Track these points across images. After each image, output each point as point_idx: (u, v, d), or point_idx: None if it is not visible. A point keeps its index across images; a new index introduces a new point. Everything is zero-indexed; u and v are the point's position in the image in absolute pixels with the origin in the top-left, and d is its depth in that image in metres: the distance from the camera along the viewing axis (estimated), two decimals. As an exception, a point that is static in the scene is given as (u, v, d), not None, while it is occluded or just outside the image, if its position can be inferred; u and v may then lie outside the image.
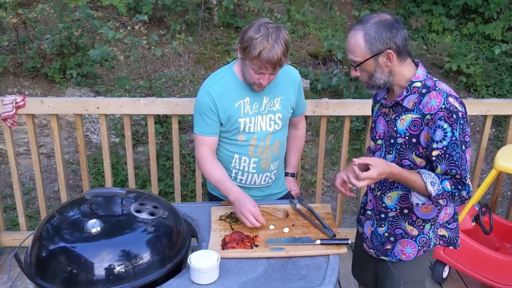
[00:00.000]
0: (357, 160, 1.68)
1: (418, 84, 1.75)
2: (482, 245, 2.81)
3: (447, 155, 1.67)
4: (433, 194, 1.67)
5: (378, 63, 1.72)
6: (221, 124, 2.19)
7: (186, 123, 4.57)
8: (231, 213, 2.07)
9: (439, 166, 1.69)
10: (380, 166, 1.66)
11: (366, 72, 1.76)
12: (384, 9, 5.91)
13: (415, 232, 1.88)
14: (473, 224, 2.86)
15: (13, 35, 4.50)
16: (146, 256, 1.65)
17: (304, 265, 1.76)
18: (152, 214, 1.76)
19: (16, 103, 2.91)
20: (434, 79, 1.78)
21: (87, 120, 4.44)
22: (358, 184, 1.66)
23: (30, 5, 4.78)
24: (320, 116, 3.09)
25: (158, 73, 4.83)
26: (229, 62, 5.02)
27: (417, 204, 1.74)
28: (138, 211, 1.75)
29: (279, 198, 2.41)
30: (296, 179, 2.62)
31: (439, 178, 1.68)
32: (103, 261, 1.59)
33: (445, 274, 3.04)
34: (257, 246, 1.85)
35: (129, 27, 4.50)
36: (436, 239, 1.93)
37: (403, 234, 1.90)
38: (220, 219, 2.04)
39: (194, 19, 5.08)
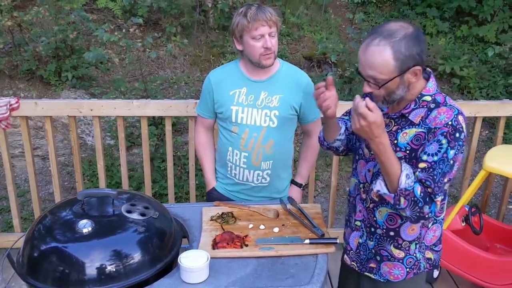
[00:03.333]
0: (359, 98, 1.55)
1: (428, 98, 1.64)
2: (472, 245, 2.84)
3: (431, 169, 1.58)
4: (402, 186, 1.56)
5: (403, 80, 1.59)
6: (216, 110, 2.34)
7: (181, 125, 4.59)
8: (222, 213, 2.10)
9: (418, 174, 1.60)
10: (380, 119, 1.54)
11: (386, 90, 1.61)
12: (378, 12, 5.94)
13: (401, 254, 1.79)
14: (463, 224, 2.89)
15: (9, 37, 4.52)
16: (136, 256, 1.67)
17: (293, 264, 1.79)
18: (142, 214, 1.78)
19: (10, 105, 2.93)
20: (443, 94, 1.68)
21: (82, 122, 4.46)
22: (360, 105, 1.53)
23: (25, 7, 4.80)
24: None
25: (154, 75, 4.85)
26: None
27: (378, 191, 1.64)
28: (129, 212, 1.77)
29: None
30: (303, 190, 2.58)
31: (415, 178, 1.59)
32: (94, 260, 1.61)
33: (435, 274, 3.07)
34: (247, 245, 1.88)
35: (124, 30, 4.53)
36: (424, 262, 1.83)
37: (388, 257, 1.80)
38: (211, 220, 2.06)
39: (190, 22, 5.11)
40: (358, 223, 1.88)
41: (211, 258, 1.72)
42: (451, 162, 1.58)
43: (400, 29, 1.55)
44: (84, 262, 1.61)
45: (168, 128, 3.13)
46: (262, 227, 2.01)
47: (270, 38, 2.17)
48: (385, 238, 1.79)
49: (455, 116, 1.58)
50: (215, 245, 1.87)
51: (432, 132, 1.59)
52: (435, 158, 1.57)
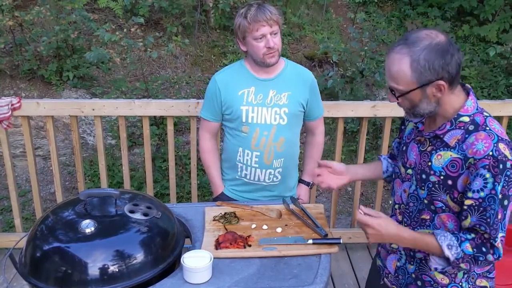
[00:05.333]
0: (363, 209, 1.59)
1: (466, 119, 1.51)
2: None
3: (481, 209, 1.46)
4: (452, 258, 1.50)
5: (425, 93, 1.48)
6: (224, 112, 2.32)
7: (183, 125, 4.59)
8: (225, 213, 2.09)
9: (469, 217, 1.49)
10: (384, 220, 1.56)
11: (409, 102, 1.53)
12: (379, 12, 5.94)
13: (446, 281, 1.65)
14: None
15: (10, 37, 4.52)
16: (139, 256, 1.66)
17: (296, 264, 1.78)
18: (145, 214, 1.77)
19: (12, 105, 2.92)
20: (485, 113, 1.53)
21: (83, 122, 4.46)
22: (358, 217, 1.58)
23: (26, 7, 4.79)
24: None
25: (155, 75, 4.85)
26: (226, 64, 5.05)
27: (436, 269, 1.59)
28: (131, 212, 1.76)
29: None
30: (310, 188, 2.59)
31: (457, 240, 1.51)
32: (96, 261, 1.61)
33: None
34: (250, 246, 1.87)
35: (125, 30, 4.53)
36: None
37: (431, 283, 1.67)
38: (214, 220, 2.06)
39: (191, 22, 5.11)
40: (394, 245, 1.77)
41: (214, 258, 1.72)
42: (500, 197, 1.45)
43: (426, 38, 1.45)
44: (87, 262, 1.61)
45: (170, 128, 3.12)
46: (265, 227, 2.00)
47: (272, 37, 2.16)
48: (427, 261, 1.65)
49: (495, 144, 1.44)
50: (218, 245, 1.86)
51: (472, 164, 1.46)
52: (482, 194, 1.45)
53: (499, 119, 3.21)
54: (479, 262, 1.51)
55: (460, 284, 1.66)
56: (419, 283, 1.71)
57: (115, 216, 1.76)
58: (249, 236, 1.92)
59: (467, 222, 1.51)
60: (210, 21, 5.29)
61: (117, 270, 1.62)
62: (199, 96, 4.68)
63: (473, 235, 1.51)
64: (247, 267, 1.77)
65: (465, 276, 1.65)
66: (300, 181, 2.55)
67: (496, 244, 1.48)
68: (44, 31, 4.52)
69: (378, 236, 1.57)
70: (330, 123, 4.77)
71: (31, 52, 4.39)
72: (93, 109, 3.00)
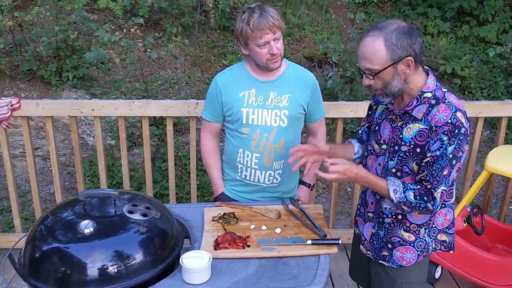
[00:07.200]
0: (329, 161, 1.84)
1: (429, 95, 1.74)
2: (474, 245, 2.83)
3: (431, 164, 1.72)
4: (395, 201, 1.77)
5: (396, 71, 1.69)
6: (225, 113, 2.32)
7: (182, 125, 4.59)
8: (224, 214, 2.09)
9: (425, 171, 1.74)
10: (348, 165, 1.80)
11: (382, 81, 1.73)
12: (379, 12, 5.94)
13: (412, 238, 1.91)
14: (465, 225, 2.88)
15: (9, 37, 4.52)
16: (138, 257, 1.66)
17: (295, 265, 1.78)
18: (144, 215, 1.77)
19: (12, 105, 2.93)
20: (443, 89, 1.77)
21: (83, 122, 4.46)
22: (326, 175, 1.84)
23: (26, 8, 4.80)
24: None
25: (154, 76, 4.85)
26: (226, 65, 5.05)
27: (385, 208, 1.88)
28: (130, 212, 1.76)
29: None
30: (311, 190, 2.58)
31: (403, 187, 1.77)
32: (95, 261, 1.61)
33: (437, 275, 3.07)
34: (249, 246, 1.87)
35: (125, 30, 4.53)
36: (435, 244, 1.97)
37: (400, 242, 1.92)
38: (213, 220, 2.06)
39: (190, 22, 5.11)
40: (370, 214, 2.01)
41: (213, 258, 1.72)
42: (450, 156, 1.70)
43: (394, 23, 1.68)
44: (86, 262, 1.61)
45: (169, 128, 3.13)
46: (264, 227, 2.00)
47: (275, 43, 2.14)
48: (395, 223, 1.92)
49: (453, 113, 1.69)
50: (217, 245, 1.86)
51: (434, 131, 1.70)
52: (438, 153, 1.70)
53: (498, 119, 3.22)
54: (420, 209, 1.77)
55: (424, 238, 1.92)
56: (389, 245, 1.95)
57: (114, 217, 1.76)
58: (248, 237, 1.93)
59: (420, 175, 1.76)
60: (210, 22, 5.30)
61: (116, 270, 1.62)
62: (199, 96, 4.69)
63: (418, 186, 1.76)
64: (246, 268, 1.77)
65: (427, 231, 1.92)
66: (301, 182, 2.54)
67: (435, 194, 1.74)
68: (44, 32, 4.53)
69: (348, 177, 1.82)
70: (330, 123, 4.77)
71: (30, 53, 4.39)
72: (93, 110, 3.00)
